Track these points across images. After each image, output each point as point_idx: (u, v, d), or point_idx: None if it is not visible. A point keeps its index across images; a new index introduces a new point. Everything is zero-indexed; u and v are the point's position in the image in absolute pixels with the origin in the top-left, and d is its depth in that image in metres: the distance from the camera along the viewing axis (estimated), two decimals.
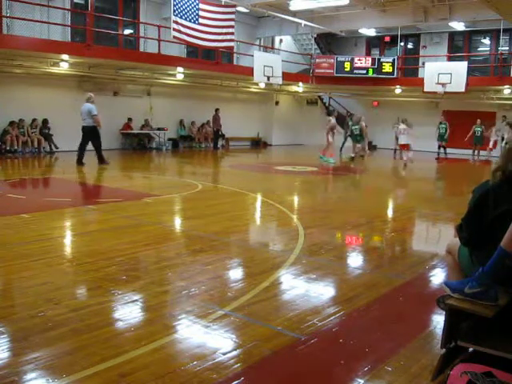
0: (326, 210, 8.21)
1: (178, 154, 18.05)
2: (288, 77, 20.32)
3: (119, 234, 5.89)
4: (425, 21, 18.55)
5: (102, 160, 13.07)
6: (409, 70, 22.44)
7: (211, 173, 13.81)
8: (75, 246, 5.56)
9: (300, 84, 22.45)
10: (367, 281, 4.47)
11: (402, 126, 15.75)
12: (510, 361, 2.45)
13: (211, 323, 3.38)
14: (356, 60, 21.24)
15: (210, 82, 19.49)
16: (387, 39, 22.96)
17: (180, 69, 17.73)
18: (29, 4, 14.27)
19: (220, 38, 16.96)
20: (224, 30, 16.95)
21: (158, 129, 18.90)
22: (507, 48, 21.23)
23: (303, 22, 19.60)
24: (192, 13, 15.92)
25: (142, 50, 17.78)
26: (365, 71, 21.00)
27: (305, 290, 4.15)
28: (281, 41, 23.28)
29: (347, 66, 21.15)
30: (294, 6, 18.39)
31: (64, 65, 15.28)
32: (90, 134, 12.82)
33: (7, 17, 14.29)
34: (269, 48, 22.52)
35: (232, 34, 17.25)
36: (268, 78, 18.69)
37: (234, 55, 20.98)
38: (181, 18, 15.50)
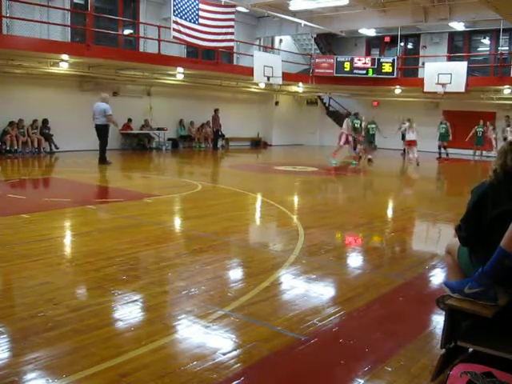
0: (326, 210, 8.21)
1: (177, 154, 18.05)
2: (288, 77, 20.32)
3: (119, 234, 5.89)
4: (425, 21, 18.55)
5: (103, 160, 13.14)
6: (409, 70, 22.44)
7: (211, 173, 13.81)
8: (75, 246, 5.55)
9: (300, 84, 22.45)
10: (367, 281, 4.46)
11: (408, 124, 16.34)
12: (510, 361, 2.45)
13: (211, 323, 3.38)
14: (356, 60, 21.24)
15: (210, 82, 19.48)
16: (387, 39, 22.96)
17: (180, 69, 17.73)
18: (28, 4, 14.26)
19: (220, 38, 16.96)
20: (224, 30, 16.96)
21: (158, 129, 18.89)
22: (507, 48, 21.23)
23: (303, 22, 19.61)
24: (192, 13, 15.92)
25: (141, 50, 17.78)
26: (365, 71, 21.00)
27: (305, 290, 4.15)
28: (281, 41, 23.28)
29: (347, 66, 21.15)
30: (293, 6, 18.39)
31: (64, 65, 15.27)
32: (102, 131, 13.04)
33: (7, 17, 14.29)
34: (269, 48, 22.52)
35: (232, 34, 17.25)
36: (268, 78, 18.69)
37: (234, 55, 20.98)
38: (181, 18, 15.50)
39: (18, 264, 4.57)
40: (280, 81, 19.35)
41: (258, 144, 23.62)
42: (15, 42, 13.40)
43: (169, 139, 19.47)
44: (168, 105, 19.31)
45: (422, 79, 19.64)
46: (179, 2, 15.38)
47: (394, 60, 20.90)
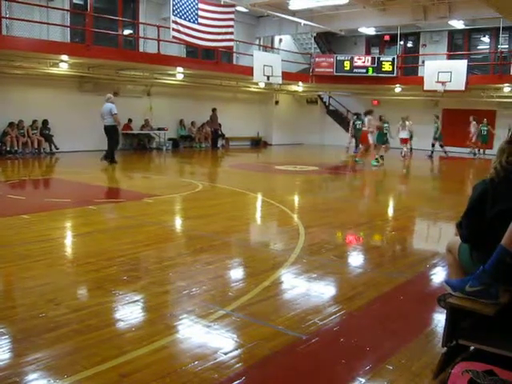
0: (327, 209, 8.20)
1: (178, 154, 18.05)
2: (288, 76, 20.32)
3: (120, 235, 5.89)
4: (424, 19, 18.54)
5: (112, 159, 13.28)
6: (409, 69, 22.43)
7: (211, 173, 13.81)
8: (76, 246, 5.56)
9: (300, 83, 22.45)
10: (368, 280, 4.47)
11: (400, 123, 16.83)
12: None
13: (212, 323, 3.38)
14: (356, 59, 21.23)
15: (210, 82, 19.49)
16: (387, 38, 22.94)
17: (180, 69, 17.73)
18: (28, 5, 14.26)
19: (219, 37, 16.95)
20: (223, 30, 16.95)
21: (158, 129, 18.90)
22: (507, 46, 21.20)
23: (303, 22, 19.60)
24: (191, 13, 15.91)
25: (141, 50, 17.77)
26: (364, 70, 20.99)
27: (306, 290, 4.15)
28: (280, 40, 23.27)
29: (347, 65, 21.15)
30: (293, 6, 18.37)
31: (63, 65, 15.28)
32: (111, 132, 13.20)
33: (6, 18, 14.28)
34: (268, 47, 22.51)
35: (231, 33, 17.24)
36: (268, 78, 18.68)
37: (234, 55, 20.97)
38: (180, 17, 15.49)
39: (19, 265, 4.57)
40: (280, 80, 19.35)
41: (258, 143, 23.62)
42: (15, 43, 13.40)
43: (169, 139, 19.47)
44: (168, 105, 19.32)
45: (422, 77, 19.63)
46: (178, 2, 15.37)
47: (393, 59, 20.89)
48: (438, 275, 4.72)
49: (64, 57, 14.79)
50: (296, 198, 9.58)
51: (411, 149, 19.62)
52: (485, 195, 2.79)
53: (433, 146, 18.99)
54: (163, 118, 18.95)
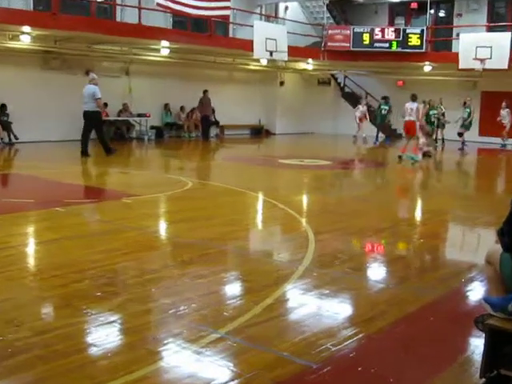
0: (342, 211, 8.21)
1: (163, 145, 18.06)
2: (295, 52, 20.28)
3: (93, 242, 5.89)
4: None
5: (108, 150, 13.48)
6: (440, 43, 22.42)
7: (203, 168, 13.82)
8: (40, 256, 5.57)
9: (309, 60, 22.41)
10: (391, 297, 4.48)
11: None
12: None
13: (204, 348, 3.38)
14: (377, 31, 21.20)
15: (202, 59, 19.47)
16: (414, 5, 22.85)
17: (165, 43, 17.70)
18: None
19: (213, 5, 16.93)
20: None
21: (139, 115, 18.90)
22: None
23: None
24: None
25: (118, 20, 17.76)
26: (387, 45, 20.97)
27: (316, 309, 4.15)
28: (286, 8, 23.26)
29: (366, 38, 21.13)
30: None
31: (25, 38, 15.24)
32: (93, 119, 13.32)
33: None
34: (272, 17, 22.51)
35: (228, 0, 17.24)
36: (271, 54, 18.65)
37: (230, 26, 20.97)
38: None
39: None
40: (285, 56, 19.31)
41: (259, 132, 23.62)
42: None
43: (152, 127, 19.49)
44: (151, 86, 19.31)
45: (457, 54, 19.58)
46: None
47: (422, 31, 20.86)
48: (476, 292, 4.73)
49: (26, 28, 14.74)
50: (304, 199, 9.58)
51: (443, 139, 19.62)
52: None
53: (460, 135, 19.02)
54: (145, 102, 18.94)
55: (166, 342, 3.47)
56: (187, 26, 19.31)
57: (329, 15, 24.07)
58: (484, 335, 2.80)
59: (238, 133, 22.70)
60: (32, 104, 16.14)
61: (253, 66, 21.60)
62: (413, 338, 3.74)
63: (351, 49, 21.26)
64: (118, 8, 17.90)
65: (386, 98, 19.14)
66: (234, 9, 19.27)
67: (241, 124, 22.90)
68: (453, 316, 4.18)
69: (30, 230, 6.69)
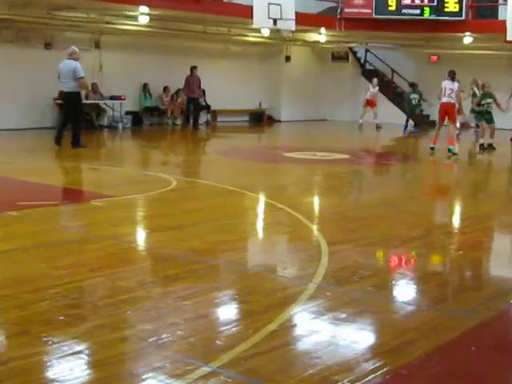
0: (361, 217, 8.22)
1: (141, 135, 18.07)
2: (304, 20, 20.25)
3: (54, 254, 5.89)
4: None
5: (77, 142, 13.46)
6: (484, 10, 22.42)
7: (191, 162, 13.83)
8: None
9: (322, 30, 22.41)
10: (422, 322, 4.48)
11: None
12: None
13: None
14: None
15: (189, 29, 19.47)
16: None
17: (144, 8, 17.68)
18: None
19: None
20: None
21: (112, 97, 18.91)
22: None
23: None
24: None
25: None
26: (418, 11, 20.96)
27: (330, 336, 4.16)
28: None
29: (392, 3, 21.11)
30: None
31: None
32: (72, 102, 13.35)
33: None
34: None
35: None
36: (274, 22, 18.64)
37: None
38: None
39: None
40: (292, 26, 19.31)
41: (259, 119, 23.66)
42: None
43: (128, 112, 19.50)
44: (126, 62, 19.31)
45: (504, 22, 19.60)
46: None
47: None
48: None
49: None
50: (315, 201, 9.59)
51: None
52: None
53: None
54: (119, 82, 18.96)
55: (144, 377, 3.47)
56: None
57: None
58: None
59: (234, 119, 22.73)
60: None
61: (252, 38, 21.60)
62: (450, 373, 3.73)
63: (374, 16, 21.22)
64: None
65: (413, 86, 19.11)
66: None
67: (237, 109, 22.91)
68: (499, 345, 4.18)
69: None
